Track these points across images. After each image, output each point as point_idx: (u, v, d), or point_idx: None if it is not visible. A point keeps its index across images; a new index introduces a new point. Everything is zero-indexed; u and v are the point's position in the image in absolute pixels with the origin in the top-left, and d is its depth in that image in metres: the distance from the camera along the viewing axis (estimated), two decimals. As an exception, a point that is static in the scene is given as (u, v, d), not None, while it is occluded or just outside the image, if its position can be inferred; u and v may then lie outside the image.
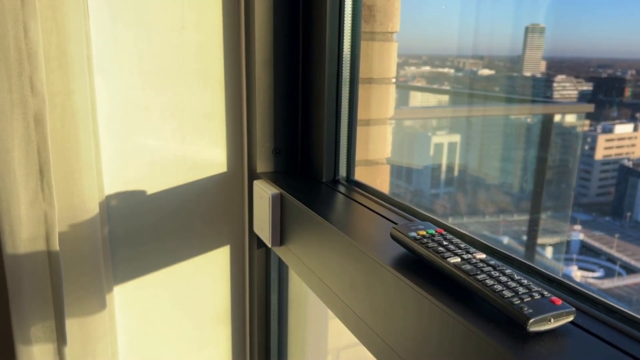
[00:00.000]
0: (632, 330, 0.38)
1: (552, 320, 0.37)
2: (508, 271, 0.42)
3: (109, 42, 0.76)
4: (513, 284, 0.40)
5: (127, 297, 0.86)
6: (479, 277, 0.41)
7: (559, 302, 0.38)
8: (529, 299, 0.38)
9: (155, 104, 0.81)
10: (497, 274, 0.41)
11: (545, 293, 0.39)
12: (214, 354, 0.95)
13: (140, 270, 0.86)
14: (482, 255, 0.45)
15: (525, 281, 0.40)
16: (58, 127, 0.69)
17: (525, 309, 0.37)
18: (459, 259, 0.44)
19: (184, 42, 0.80)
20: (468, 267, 0.42)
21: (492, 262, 0.43)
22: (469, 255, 0.44)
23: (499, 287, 0.39)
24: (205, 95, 0.84)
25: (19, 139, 0.65)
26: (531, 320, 0.36)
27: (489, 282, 0.40)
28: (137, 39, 0.78)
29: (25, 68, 0.63)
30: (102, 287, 0.76)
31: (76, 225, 0.73)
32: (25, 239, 0.68)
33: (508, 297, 0.38)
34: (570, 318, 0.38)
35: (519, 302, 0.37)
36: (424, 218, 0.62)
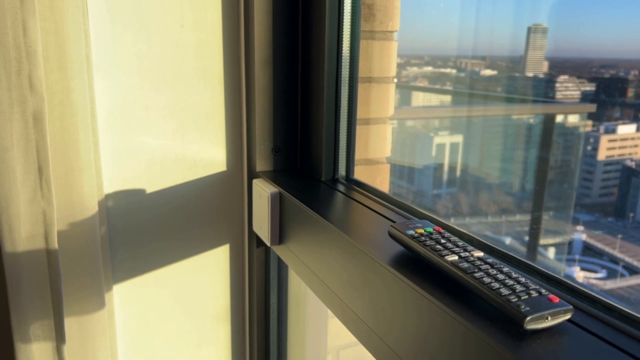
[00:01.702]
0: (630, 329, 0.38)
1: (549, 318, 0.36)
2: (506, 269, 0.42)
3: (108, 41, 0.76)
4: (510, 282, 0.39)
5: (126, 295, 0.86)
6: (476, 275, 0.41)
7: (557, 300, 0.38)
8: (526, 296, 0.38)
9: (154, 102, 0.81)
10: (495, 272, 0.41)
11: (543, 291, 0.38)
12: (214, 353, 0.95)
13: (139, 269, 0.86)
14: (480, 254, 0.45)
15: (522, 279, 0.40)
16: (57, 125, 0.69)
17: (522, 306, 0.36)
18: (456, 257, 0.44)
19: (184, 41, 0.80)
20: (465, 265, 0.42)
21: (490, 260, 0.43)
22: (467, 254, 0.44)
23: (496, 285, 0.39)
24: (204, 94, 0.84)
25: (18, 137, 0.65)
26: (528, 318, 0.36)
27: (486, 280, 0.40)
28: (136, 37, 0.78)
29: (24, 66, 0.63)
30: (101, 286, 0.76)
31: (75, 224, 0.73)
32: (24, 237, 0.68)
33: (505, 295, 0.38)
34: (568, 316, 0.37)
35: (516, 300, 0.37)
36: (422, 217, 0.62)
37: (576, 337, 0.37)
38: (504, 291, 0.38)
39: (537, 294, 0.38)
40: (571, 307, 0.37)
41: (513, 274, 0.41)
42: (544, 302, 0.37)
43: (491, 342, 0.36)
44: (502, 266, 0.42)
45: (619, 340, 0.36)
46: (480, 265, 0.42)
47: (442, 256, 0.44)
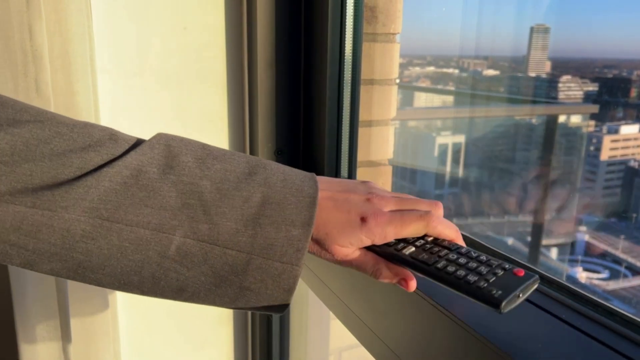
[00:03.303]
0: (614, 324, 0.38)
1: (521, 295, 0.36)
2: (463, 250, 0.41)
3: (111, 43, 0.77)
4: (474, 264, 0.38)
5: (129, 296, 0.87)
6: (439, 265, 0.39)
7: (522, 272, 0.37)
8: (494, 277, 0.37)
9: (157, 104, 0.81)
10: (455, 255, 0.40)
11: (507, 265, 0.38)
12: (216, 354, 0.96)
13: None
14: (431, 237, 0.43)
15: (483, 257, 0.39)
16: (62, 128, 0.70)
17: (494, 291, 0.36)
18: (413, 248, 0.42)
19: (186, 43, 0.81)
20: (425, 256, 0.41)
21: (445, 243, 0.42)
22: (422, 241, 0.42)
23: (462, 272, 0.38)
24: (207, 96, 0.84)
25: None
26: (503, 303, 0.35)
27: (451, 268, 0.39)
28: (139, 39, 0.78)
29: (30, 69, 0.64)
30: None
31: (79, 226, 0.73)
32: (29, 238, 0.69)
33: (474, 282, 0.37)
34: (536, 285, 0.37)
35: (485, 284, 0.36)
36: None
37: (567, 334, 0.37)
38: (472, 277, 0.37)
39: (502, 272, 0.37)
40: (537, 276, 0.37)
41: (473, 253, 0.40)
42: (512, 280, 0.37)
43: (494, 349, 0.37)
44: (459, 247, 0.41)
45: (602, 334, 0.37)
46: (439, 252, 0.41)
47: (399, 250, 0.42)
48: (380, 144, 0.90)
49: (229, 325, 0.95)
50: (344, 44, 0.74)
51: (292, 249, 0.39)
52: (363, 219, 0.41)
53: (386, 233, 0.41)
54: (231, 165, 0.41)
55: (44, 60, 0.64)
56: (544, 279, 0.47)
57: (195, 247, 0.38)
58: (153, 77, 0.80)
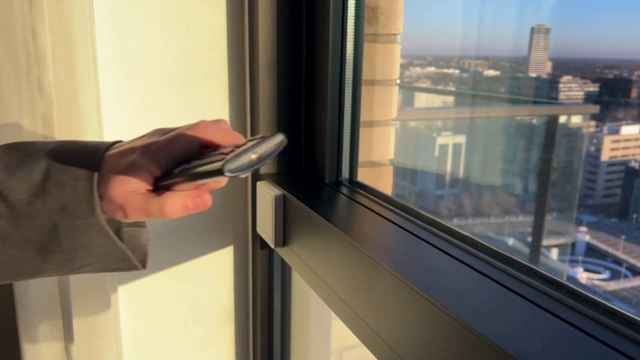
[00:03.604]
0: (615, 324, 0.38)
1: (255, 155, 0.32)
2: (233, 145, 0.37)
3: (113, 44, 0.77)
4: (227, 150, 0.35)
5: (131, 297, 0.87)
6: (195, 164, 0.36)
7: (264, 137, 0.34)
8: (231, 151, 0.33)
9: (159, 105, 0.82)
10: (217, 152, 0.37)
11: (256, 136, 0.34)
12: (217, 353, 0.96)
13: (144, 270, 0.87)
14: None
15: (247, 142, 0.35)
16: (64, 127, 0.70)
17: (223, 161, 0.32)
18: (187, 165, 0.39)
19: (188, 44, 0.81)
20: (195, 163, 0.37)
21: (222, 148, 0.39)
22: (201, 156, 0.39)
23: (207, 160, 0.35)
24: (209, 96, 0.84)
25: (28, 140, 0.66)
26: (226, 167, 0.31)
27: (200, 162, 0.36)
28: (142, 40, 0.79)
29: (33, 70, 0.64)
30: (107, 287, 0.77)
31: (82, 226, 0.73)
32: (32, 238, 0.69)
33: (210, 163, 0.33)
34: (278, 140, 0.33)
35: (219, 159, 0.33)
36: (425, 219, 0.62)
37: (567, 334, 0.38)
38: (213, 159, 0.34)
39: (245, 143, 0.34)
40: (279, 134, 0.34)
41: (240, 144, 0.35)
42: (249, 146, 0.33)
43: (494, 347, 0.37)
44: (231, 146, 0.37)
45: (605, 336, 0.37)
46: (206, 155, 0.37)
47: (175, 172, 0.39)
48: (381, 144, 0.91)
49: (230, 324, 0.96)
50: (345, 44, 0.74)
51: (82, 202, 0.39)
52: (133, 151, 0.41)
53: (159, 156, 0.40)
54: (31, 147, 0.42)
55: (47, 61, 0.64)
56: (544, 279, 0.47)
57: (7, 226, 0.39)
58: (155, 78, 0.81)
